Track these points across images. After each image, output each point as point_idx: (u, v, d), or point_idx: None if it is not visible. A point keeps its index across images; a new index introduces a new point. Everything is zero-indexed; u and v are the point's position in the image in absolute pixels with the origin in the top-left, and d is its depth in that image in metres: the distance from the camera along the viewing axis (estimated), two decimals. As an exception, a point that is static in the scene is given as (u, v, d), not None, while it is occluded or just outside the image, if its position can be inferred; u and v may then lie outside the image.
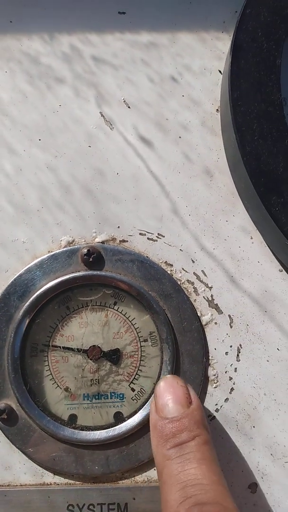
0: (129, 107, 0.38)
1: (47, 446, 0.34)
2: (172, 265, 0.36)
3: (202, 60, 0.39)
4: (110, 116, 0.38)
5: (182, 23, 0.39)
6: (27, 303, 0.34)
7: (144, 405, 0.34)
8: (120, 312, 0.35)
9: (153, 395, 0.32)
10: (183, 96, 0.38)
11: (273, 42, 0.34)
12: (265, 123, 0.33)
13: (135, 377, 0.35)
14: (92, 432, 0.34)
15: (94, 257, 0.35)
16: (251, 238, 0.36)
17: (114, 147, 0.37)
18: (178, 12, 0.39)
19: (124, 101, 0.38)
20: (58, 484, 0.34)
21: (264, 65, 0.34)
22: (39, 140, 0.38)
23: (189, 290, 0.36)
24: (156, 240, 0.37)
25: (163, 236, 0.37)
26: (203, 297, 0.36)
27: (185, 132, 0.38)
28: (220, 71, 0.38)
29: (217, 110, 0.38)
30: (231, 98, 0.33)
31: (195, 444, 0.29)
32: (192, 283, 0.36)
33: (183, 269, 0.36)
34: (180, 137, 0.38)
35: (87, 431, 0.34)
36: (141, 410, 0.34)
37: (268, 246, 0.36)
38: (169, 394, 0.30)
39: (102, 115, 0.38)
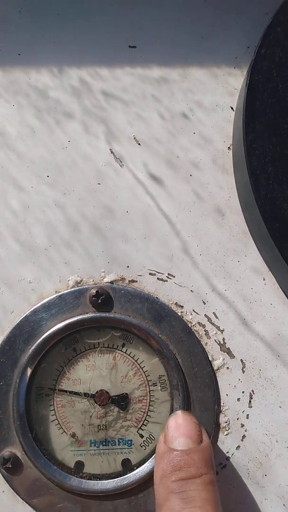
0: (139, 144, 0.37)
1: (53, 496, 0.33)
2: (182, 306, 0.35)
3: (214, 96, 0.38)
4: (120, 153, 0.37)
5: (193, 58, 0.39)
6: (33, 347, 0.33)
7: (153, 453, 0.33)
8: (129, 355, 0.34)
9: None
10: (194, 133, 0.37)
11: (288, 83, 0.34)
12: (280, 166, 0.32)
13: (144, 423, 0.34)
14: (100, 481, 0.33)
15: (102, 299, 0.34)
16: (264, 279, 0.36)
17: (123, 184, 0.37)
18: (190, 46, 0.39)
19: (134, 137, 0.37)
20: (63, 536, 0.33)
21: (279, 107, 0.33)
22: (47, 176, 0.37)
23: (200, 333, 0.35)
24: (166, 281, 0.36)
25: (174, 276, 0.36)
26: (215, 340, 0.35)
27: (196, 170, 0.37)
28: (232, 108, 0.38)
29: (229, 148, 0.37)
30: (245, 141, 0.32)
31: (201, 482, 0.28)
32: (203, 326, 0.35)
33: (194, 310, 0.35)
34: (191, 175, 0.37)
35: (94, 480, 0.33)
36: (150, 459, 0.33)
37: (281, 288, 0.35)
38: (181, 428, 0.30)
39: (112, 152, 0.37)
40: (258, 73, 0.34)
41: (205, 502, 0.27)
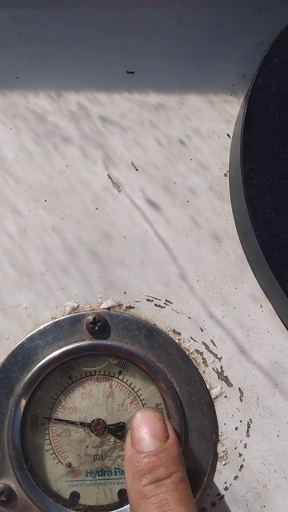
0: (137, 169, 0.37)
1: (47, 530, 0.32)
2: (180, 333, 0.35)
3: (210, 123, 0.38)
4: (118, 179, 0.37)
5: (190, 85, 0.39)
6: (29, 375, 0.33)
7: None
8: (125, 382, 0.34)
9: (129, 428, 0.30)
10: (191, 159, 0.38)
11: (285, 113, 0.34)
12: (277, 196, 0.32)
13: (141, 452, 0.33)
14: (96, 514, 0.32)
15: (100, 326, 0.34)
16: (261, 306, 0.36)
17: (121, 210, 0.37)
18: (187, 73, 0.39)
19: (132, 163, 0.37)
20: None
21: (276, 136, 0.33)
22: (45, 201, 0.37)
23: (198, 361, 0.35)
24: (164, 307, 0.36)
25: (171, 303, 0.36)
26: (212, 368, 0.35)
27: (193, 196, 0.37)
28: (228, 135, 0.38)
29: (225, 174, 0.37)
30: (243, 170, 0.33)
31: (171, 482, 0.27)
32: (201, 354, 0.35)
33: (191, 338, 0.35)
34: (188, 201, 0.37)
35: (90, 512, 0.32)
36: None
37: (278, 316, 0.35)
38: (146, 427, 0.29)
39: (109, 177, 0.37)
40: (255, 103, 0.34)
41: (178, 503, 0.27)
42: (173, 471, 0.28)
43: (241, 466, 0.34)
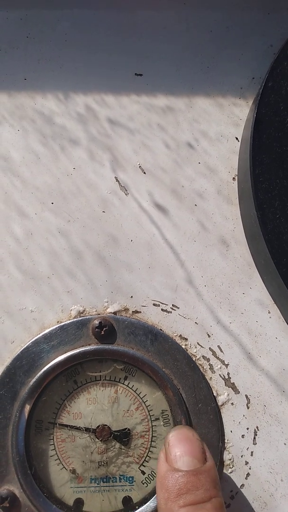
0: (144, 172, 0.37)
1: (51, 537, 0.31)
2: (187, 339, 0.35)
3: (219, 126, 0.38)
4: (125, 181, 0.37)
5: (199, 88, 0.39)
6: (34, 380, 0.33)
7: (155, 491, 0.32)
8: (131, 388, 0.34)
9: (163, 444, 0.29)
10: (199, 163, 0.37)
11: (295, 117, 0.34)
12: (287, 200, 0.32)
13: (146, 459, 0.33)
14: (100, 522, 0.32)
15: (106, 331, 0.34)
16: (269, 312, 0.35)
17: (128, 213, 0.36)
18: (196, 76, 0.39)
19: (140, 166, 0.37)
20: None
21: (286, 140, 0.33)
22: (52, 203, 0.36)
23: (205, 367, 0.34)
24: (171, 312, 0.35)
25: (178, 308, 0.35)
26: (219, 375, 0.34)
27: (201, 200, 0.37)
28: (237, 138, 0.38)
29: (234, 178, 0.37)
30: (252, 174, 0.32)
31: (211, 507, 0.26)
32: (208, 360, 0.34)
33: (198, 343, 0.35)
34: (195, 205, 0.37)
35: (94, 519, 0.32)
36: (152, 498, 0.32)
37: (286, 322, 0.35)
38: (184, 445, 0.28)
39: (117, 180, 0.37)
40: (265, 106, 0.34)
41: None
42: (213, 495, 0.26)
43: (248, 474, 0.33)
